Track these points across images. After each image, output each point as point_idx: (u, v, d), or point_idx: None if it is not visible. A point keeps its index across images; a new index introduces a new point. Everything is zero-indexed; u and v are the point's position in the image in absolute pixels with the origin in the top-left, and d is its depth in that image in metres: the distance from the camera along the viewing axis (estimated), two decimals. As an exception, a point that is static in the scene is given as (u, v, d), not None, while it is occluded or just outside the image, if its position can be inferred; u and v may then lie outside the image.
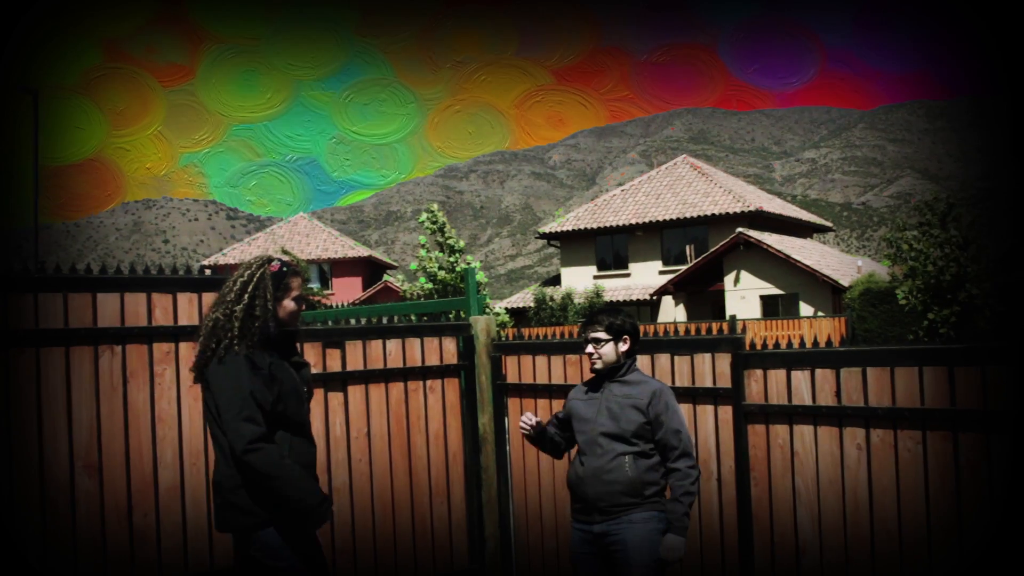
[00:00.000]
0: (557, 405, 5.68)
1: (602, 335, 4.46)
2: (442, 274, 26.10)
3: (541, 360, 6.34)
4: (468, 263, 27.17)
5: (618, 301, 35.07)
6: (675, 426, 4.37)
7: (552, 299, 32.38)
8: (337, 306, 12.47)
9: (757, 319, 26.85)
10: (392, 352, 6.25)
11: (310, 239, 50.11)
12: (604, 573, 4.40)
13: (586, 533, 4.41)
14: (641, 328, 4.85)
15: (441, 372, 6.49)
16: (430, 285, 25.98)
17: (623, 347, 4.49)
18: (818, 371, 4.98)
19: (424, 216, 27.33)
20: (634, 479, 4.31)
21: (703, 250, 34.58)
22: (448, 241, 26.72)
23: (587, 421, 4.46)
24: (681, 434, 4.36)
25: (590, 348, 4.49)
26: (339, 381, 5.97)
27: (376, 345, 6.18)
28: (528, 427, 4.57)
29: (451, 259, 26.57)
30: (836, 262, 33.62)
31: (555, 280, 40.29)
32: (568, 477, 4.55)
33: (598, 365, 4.48)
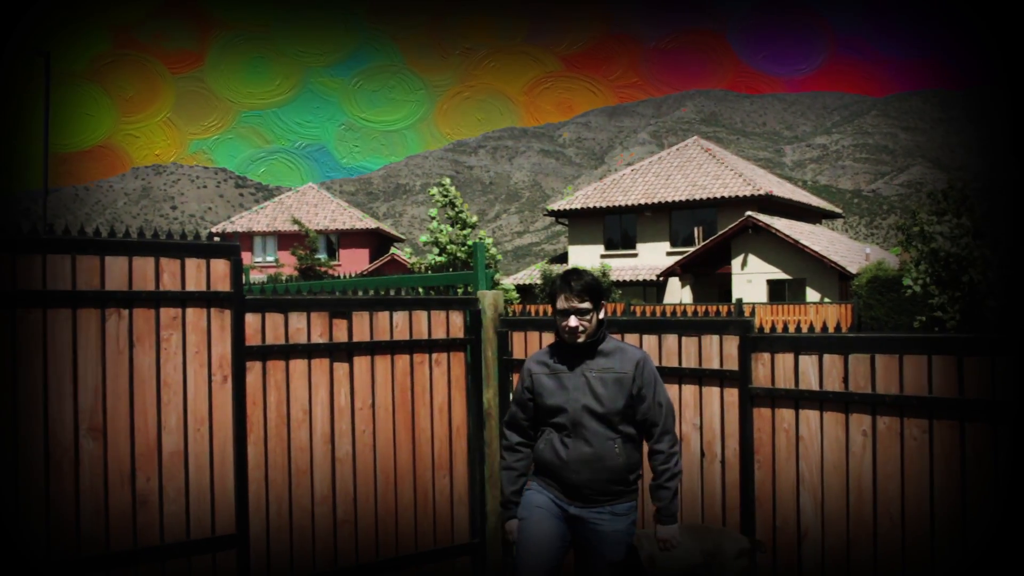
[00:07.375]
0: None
1: (587, 305, 4.08)
2: (452, 247, 26.07)
3: (548, 337, 6.31)
4: (480, 238, 27.18)
5: (625, 281, 35.04)
6: (659, 399, 4.13)
7: (559, 277, 32.31)
8: (344, 276, 12.45)
9: (763, 303, 26.79)
10: (399, 324, 6.24)
11: (318, 209, 50.07)
12: (565, 538, 4.19)
13: (558, 506, 4.17)
14: (648, 308, 4.80)
15: (447, 346, 6.48)
16: (441, 258, 25.96)
17: (601, 314, 4.19)
18: (826, 356, 4.96)
19: (435, 189, 27.28)
20: (623, 466, 4.11)
21: (711, 232, 34.52)
22: (460, 215, 26.67)
23: (566, 399, 4.11)
24: (663, 408, 4.12)
25: (574, 321, 4.08)
26: (345, 352, 5.95)
27: (383, 317, 6.16)
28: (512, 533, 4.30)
29: (463, 232, 26.53)
30: (844, 249, 33.53)
31: (562, 258, 40.24)
32: (542, 455, 4.22)
33: (582, 339, 4.12)
